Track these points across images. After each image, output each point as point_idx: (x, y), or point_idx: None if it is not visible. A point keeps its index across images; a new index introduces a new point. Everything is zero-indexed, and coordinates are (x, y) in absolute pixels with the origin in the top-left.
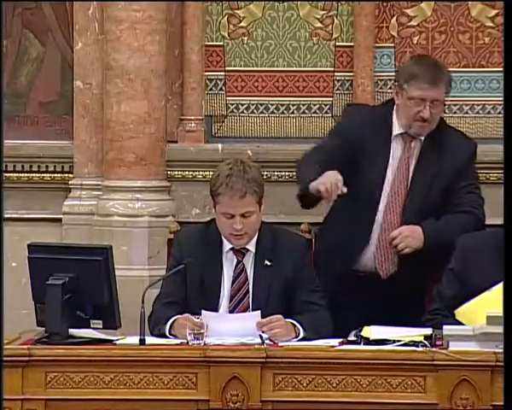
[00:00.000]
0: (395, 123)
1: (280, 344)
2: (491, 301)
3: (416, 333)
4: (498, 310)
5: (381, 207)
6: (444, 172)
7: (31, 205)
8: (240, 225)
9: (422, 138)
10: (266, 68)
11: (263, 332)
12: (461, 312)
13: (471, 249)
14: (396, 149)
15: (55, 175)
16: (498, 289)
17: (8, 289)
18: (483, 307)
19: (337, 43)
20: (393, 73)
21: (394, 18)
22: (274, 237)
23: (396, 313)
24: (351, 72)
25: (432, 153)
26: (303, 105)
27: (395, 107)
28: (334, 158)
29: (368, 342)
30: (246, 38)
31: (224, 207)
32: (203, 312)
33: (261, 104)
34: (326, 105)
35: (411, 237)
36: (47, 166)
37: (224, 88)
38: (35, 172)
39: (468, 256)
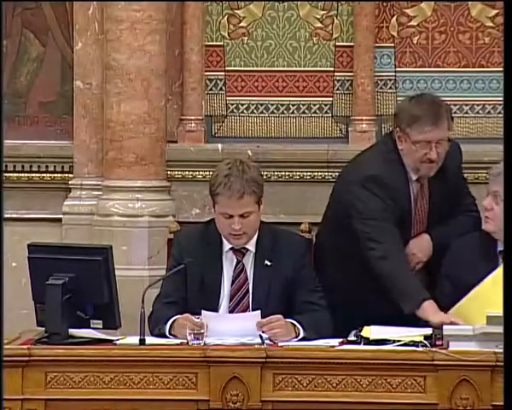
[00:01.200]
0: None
1: (280, 344)
2: (482, 294)
3: (416, 333)
4: (492, 303)
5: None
6: (448, 181)
7: (31, 205)
8: (238, 225)
9: None
10: (266, 68)
11: (263, 332)
12: (455, 311)
13: (462, 252)
14: (413, 191)
15: (55, 175)
16: (488, 282)
17: (8, 289)
18: (476, 303)
19: (337, 43)
20: (393, 73)
21: (394, 18)
22: (274, 236)
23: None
24: (351, 72)
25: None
26: (303, 105)
27: (400, 152)
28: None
29: (368, 342)
30: (246, 38)
31: (222, 207)
32: (203, 312)
33: (261, 104)
34: (326, 105)
35: (420, 253)
36: (47, 166)
37: (224, 88)
38: (35, 172)
39: (460, 259)
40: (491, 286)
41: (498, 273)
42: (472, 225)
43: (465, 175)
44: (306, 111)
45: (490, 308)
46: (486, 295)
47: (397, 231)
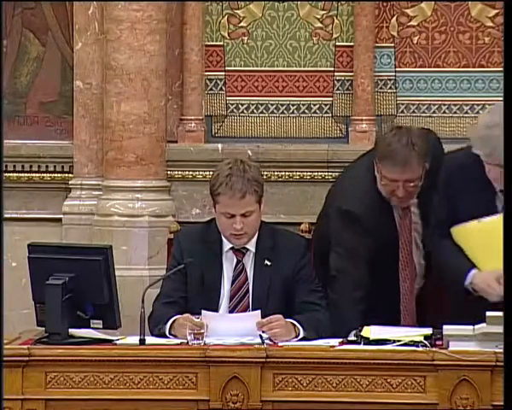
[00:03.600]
0: None
1: (280, 344)
2: (490, 230)
3: (416, 333)
4: (495, 239)
5: (401, 274)
6: (433, 179)
7: (31, 205)
8: (240, 225)
9: None
10: (266, 68)
11: (263, 332)
12: (457, 231)
13: (456, 170)
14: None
15: (55, 175)
16: (497, 220)
17: (8, 289)
18: (481, 234)
19: (337, 43)
20: (393, 73)
21: (394, 18)
22: (274, 236)
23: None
24: (351, 72)
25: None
26: (303, 105)
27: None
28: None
29: (368, 342)
30: (246, 38)
31: (224, 207)
32: (203, 312)
33: (261, 104)
34: (326, 105)
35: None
36: (47, 166)
37: (224, 88)
38: (35, 172)
39: (454, 177)
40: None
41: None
42: None
43: None
44: (306, 111)
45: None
46: (495, 231)
47: (364, 271)
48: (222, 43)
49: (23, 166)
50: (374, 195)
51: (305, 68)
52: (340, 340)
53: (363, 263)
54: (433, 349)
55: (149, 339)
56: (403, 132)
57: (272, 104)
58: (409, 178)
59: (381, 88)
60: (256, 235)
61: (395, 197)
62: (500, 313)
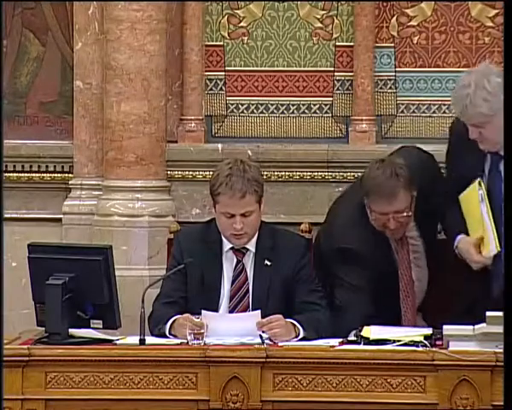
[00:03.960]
0: None
1: (280, 344)
2: (469, 198)
3: (416, 333)
4: (473, 207)
5: (401, 298)
6: (425, 194)
7: (31, 205)
8: (240, 225)
9: None
10: (266, 68)
11: (263, 332)
12: (460, 197)
13: (454, 135)
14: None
15: (55, 175)
16: (472, 189)
17: (8, 289)
18: (467, 201)
19: (337, 43)
20: (393, 73)
21: (394, 18)
22: (274, 236)
23: None
24: (351, 72)
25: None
26: (303, 105)
27: None
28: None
29: (368, 342)
30: (246, 38)
31: (224, 207)
32: (203, 312)
33: (261, 104)
34: (326, 105)
35: None
36: (47, 166)
37: (224, 88)
38: (35, 172)
39: (453, 142)
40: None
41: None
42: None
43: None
44: (306, 111)
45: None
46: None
47: (369, 302)
48: (222, 43)
49: (23, 166)
50: (367, 229)
51: (305, 68)
52: (340, 340)
53: (367, 294)
54: (433, 349)
55: (149, 339)
56: (386, 165)
57: (272, 104)
58: (397, 209)
59: (381, 88)
60: (256, 235)
61: (388, 230)
62: (500, 313)
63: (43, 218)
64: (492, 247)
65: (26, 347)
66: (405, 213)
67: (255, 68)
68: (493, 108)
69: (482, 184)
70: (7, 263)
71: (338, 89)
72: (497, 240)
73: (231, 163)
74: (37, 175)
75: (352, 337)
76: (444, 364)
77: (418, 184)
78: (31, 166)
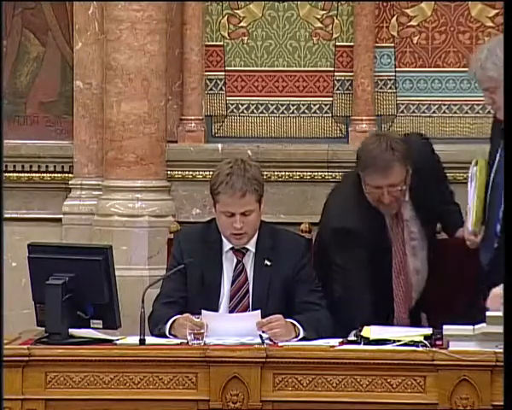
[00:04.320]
0: None
1: (280, 344)
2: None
3: (416, 333)
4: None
5: (394, 281)
6: (425, 178)
7: (31, 205)
8: (240, 224)
9: None
10: (266, 68)
11: (263, 332)
12: (474, 226)
13: None
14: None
15: (55, 175)
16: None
17: (8, 289)
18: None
19: (337, 43)
20: (393, 73)
21: (394, 18)
22: (274, 236)
23: None
24: (351, 72)
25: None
26: (303, 105)
27: None
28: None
29: (368, 342)
30: (246, 38)
31: (224, 206)
32: (203, 312)
33: (261, 104)
34: (326, 105)
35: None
36: (47, 166)
37: (224, 88)
38: (35, 172)
39: None
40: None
41: None
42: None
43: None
44: (306, 111)
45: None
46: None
47: (366, 289)
48: (222, 43)
49: (23, 166)
50: (362, 206)
51: (305, 68)
52: (340, 340)
53: (363, 281)
54: (433, 349)
55: (149, 339)
56: (382, 139)
57: (272, 104)
58: (392, 182)
59: (381, 88)
60: (256, 235)
61: (382, 204)
62: (500, 313)
63: (43, 218)
64: (468, 225)
65: (26, 347)
66: (400, 188)
67: (255, 68)
68: (502, 74)
69: (479, 163)
70: (7, 263)
71: (338, 89)
72: (474, 219)
73: (232, 162)
74: (37, 175)
75: (351, 337)
76: (444, 364)
77: (419, 166)
78: (31, 166)
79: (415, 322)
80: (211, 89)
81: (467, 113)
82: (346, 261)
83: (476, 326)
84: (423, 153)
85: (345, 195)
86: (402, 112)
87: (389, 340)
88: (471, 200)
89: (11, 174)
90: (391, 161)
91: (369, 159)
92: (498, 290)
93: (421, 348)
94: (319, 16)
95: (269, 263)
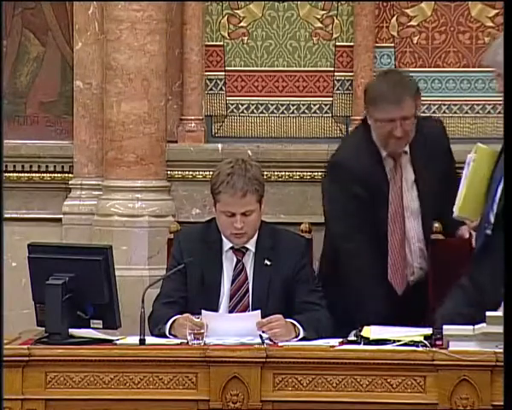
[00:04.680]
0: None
1: (280, 344)
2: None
3: (416, 333)
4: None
5: (390, 226)
6: (433, 157)
7: (31, 205)
8: (240, 224)
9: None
10: (266, 68)
11: (263, 332)
12: (460, 210)
13: None
14: (389, 166)
15: (55, 175)
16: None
17: (8, 289)
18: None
19: (337, 43)
20: None
21: (394, 18)
22: (274, 236)
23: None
24: (351, 72)
25: (417, 147)
26: (303, 105)
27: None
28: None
29: (368, 342)
30: (246, 38)
31: (224, 206)
32: (203, 312)
33: (261, 104)
34: (326, 105)
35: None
36: (47, 166)
37: (224, 88)
38: (35, 172)
39: None
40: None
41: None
42: None
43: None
44: (306, 111)
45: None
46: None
47: (352, 223)
48: (222, 43)
49: (23, 166)
50: (364, 146)
51: (305, 68)
52: (340, 340)
53: (350, 216)
54: (433, 349)
55: (149, 339)
56: (391, 73)
57: (272, 104)
58: (405, 115)
59: None
60: (256, 235)
61: (393, 139)
62: (500, 313)
63: (43, 218)
64: (454, 208)
65: (26, 347)
66: (411, 120)
67: (255, 68)
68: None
69: (479, 150)
70: (7, 263)
71: (338, 89)
72: (460, 204)
73: (232, 162)
74: (37, 175)
75: (352, 337)
76: (444, 364)
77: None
78: (31, 166)
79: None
80: (211, 89)
81: (467, 113)
82: (337, 194)
83: (476, 326)
84: (440, 133)
85: (348, 136)
86: None
87: (389, 340)
88: (461, 187)
89: (11, 174)
90: (403, 93)
91: (382, 93)
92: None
93: (421, 348)
94: (319, 16)
95: (269, 263)
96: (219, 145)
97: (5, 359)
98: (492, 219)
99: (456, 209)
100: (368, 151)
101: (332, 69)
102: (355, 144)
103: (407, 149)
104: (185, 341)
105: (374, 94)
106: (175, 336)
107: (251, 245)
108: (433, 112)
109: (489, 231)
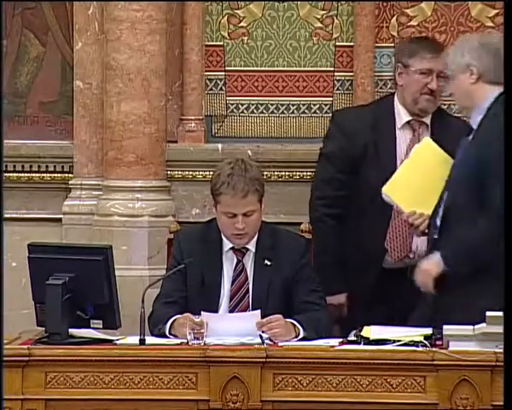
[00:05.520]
0: (400, 113)
1: (280, 344)
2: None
3: (416, 333)
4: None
5: None
6: (452, 147)
7: (31, 205)
8: (242, 225)
9: (429, 124)
10: (266, 68)
11: (263, 332)
12: (387, 189)
13: None
14: (404, 139)
15: (55, 175)
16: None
17: (8, 289)
18: (408, 176)
19: (337, 43)
20: (393, 73)
21: (394, 18)
22: (274, 236)
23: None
24: (351, 72)
25: (439, 138)
26: (303, 105)
27: (397, 94)
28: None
29: (368, 342)
30: (246, 38)
31: (225, 207)
32: (202, 313)
33: (261, 104)
34: (326, 105)
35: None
36: (47, 166)
37: (224, 88)
38: (35, 172)
39: None
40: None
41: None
42: None
43: None
44: (306, 111)
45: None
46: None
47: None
48: (222, 43)
49: (23, 166)
50: (375, 114)
51: (305, 68)
52: (340, 340)
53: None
54: (433, 349)
55: (149, 339)
56: (423, 36)
57: (272, 104)
58: (442, 68)
59: (381, 88)
60: (256, 235)
61: (426, 94)
62: (500, 313)
63: (43, 218)
64: (384, 186)
65: (26, 347)
66: (443, 80)
67: (255, 68)
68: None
69: (425, 141)
70: (7, 263)
71: (338, 89)
72: (388, 183)
73: (232, 163)
74: (37, 175)
75: (352, 337)
76: (444, 364)
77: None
78: (31, 166)
79: None
80: (211, 89)
81: None
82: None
83: (476, 326)
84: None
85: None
86: None
87: (389, 340)
88: (398, 167)
89: (11, 174)
90: (441, 45)
91: (421, 43)
92: (425, 264)
93: (421, 348)
94: (319, 16)
95: (269, 263)
96: (219, 145)
97: (5, 359)
98: (439, 224)
99: (384, 187)
100: (383, 119)
101: (332, 69)
102: (366, 112)
103: (428, 121)
104: (185, 341)
105: (413, 46)
106: (175, 336)
107: (251, 245)
108: None
109: (436, 236)
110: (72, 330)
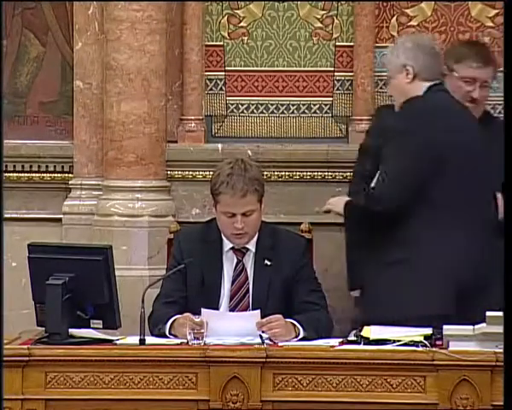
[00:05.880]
0: None
1: (280, 344)
2: None
3: (416, 333)
4: None
5: None
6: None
7: (31, 205)
8: (241, 224)
9: None
10: (266, 68)
11: (263, 332)
12: None
13: None
14: None
15: (55, 175)
16: None
17: (8, 289)
18: None
19: (337, 43)
20: None
21: (394, 18)
22: (274, 236)
23: None
24: (351, 72)
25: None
26: (303, 105)
27: None
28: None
29: (368, 342)
30: (246, 38)
31: (225, 207)
32: (203, 310)
33: (261, 104)
34: (326, 105)
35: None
36: (47, 166)
37: (224, 88)
38: (35, 172)
39: None
40: None
41: None
42: None
43: None
44: (306, 111)
45: None
46: None
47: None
48: (222, 43)
49: (23, 166)
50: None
51: (305, 68)
52: (340, 340)
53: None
54: (433, 349)
55: (149, 339)
56: (474, 40)
57: (272, 104)
58: (486, 77)
59: (380, 88)
60: (256, 235)
61: (468, 103)
62: (500, 313)
63: (43, 218)
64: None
65: (26, 347)
66: (488, 89)
67: (255, 68)
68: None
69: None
70: (7, 263)
71: (338, 89)
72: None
73: (232, 162)
74: (37, 175)
75: (352, 337)
76: (444, 364)
77: None
78: (31, 166)
79: None
80: (211, 89)
81: None
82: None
83: (476, 326)
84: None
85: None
86: None
87: (389, 340)
88: None
89: (11, 174)
90: (490, 55)
91: (470, 51)
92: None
93: (421, 348)
94: (319, 16)
95: (269, 263)
96: (219, 145)
97: (5, 359)
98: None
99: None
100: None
101: (332, 69)
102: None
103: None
104: (185, 341)
105: (461, 52)
106: (175, 336)
107: (251, 245)
108: None
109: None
110: (72, 330)
